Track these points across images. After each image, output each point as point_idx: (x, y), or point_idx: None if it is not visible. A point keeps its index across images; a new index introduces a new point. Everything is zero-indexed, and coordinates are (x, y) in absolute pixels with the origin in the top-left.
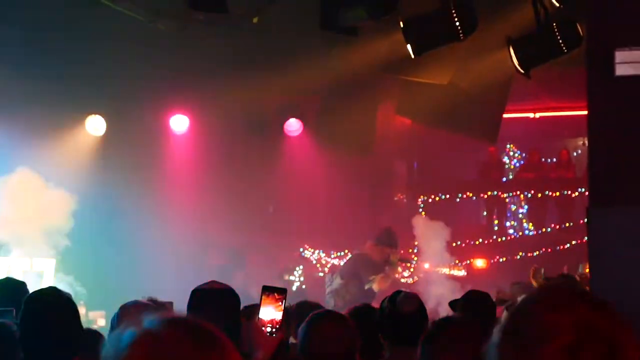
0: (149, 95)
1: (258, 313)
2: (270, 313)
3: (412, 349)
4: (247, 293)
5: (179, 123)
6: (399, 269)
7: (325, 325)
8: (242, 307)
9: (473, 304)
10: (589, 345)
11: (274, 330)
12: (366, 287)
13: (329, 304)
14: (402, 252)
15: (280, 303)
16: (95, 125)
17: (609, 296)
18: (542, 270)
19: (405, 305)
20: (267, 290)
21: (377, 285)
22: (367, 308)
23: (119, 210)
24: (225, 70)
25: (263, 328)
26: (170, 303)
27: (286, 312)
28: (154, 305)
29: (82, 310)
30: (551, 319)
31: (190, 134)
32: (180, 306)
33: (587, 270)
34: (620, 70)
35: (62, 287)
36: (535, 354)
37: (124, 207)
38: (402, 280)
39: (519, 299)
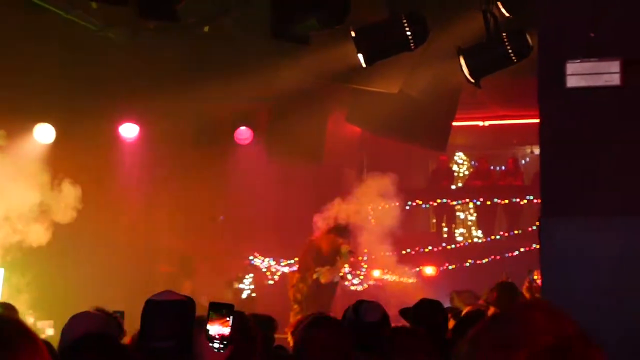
0: (98, 103)
1: (206, 328)
2: (217, 328)
3: (376, 356)
4: (197, 301)
5: (129, 131)
6: (346, 266)
7: (321, 333)
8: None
9: (424, 312)
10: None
11: (221, 345)
12: (314, 277)
13: (291, 298)
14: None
15: (227, 318)
16: (44, 133)
17: (560, 306)
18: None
19: (369, 315)
20: (215, 306)
21: (323, 277)
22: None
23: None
24: (176, 78)
25: (210, 344)
26: (121, 313)
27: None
28: (104, 316)
29: (30, 320)
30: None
31: (140, 142)
32: (131, 315)
33: (535, 277)
34: (572, 82)
35: (10, 296)
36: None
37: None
38: (352, 288)
39: (466, 307)
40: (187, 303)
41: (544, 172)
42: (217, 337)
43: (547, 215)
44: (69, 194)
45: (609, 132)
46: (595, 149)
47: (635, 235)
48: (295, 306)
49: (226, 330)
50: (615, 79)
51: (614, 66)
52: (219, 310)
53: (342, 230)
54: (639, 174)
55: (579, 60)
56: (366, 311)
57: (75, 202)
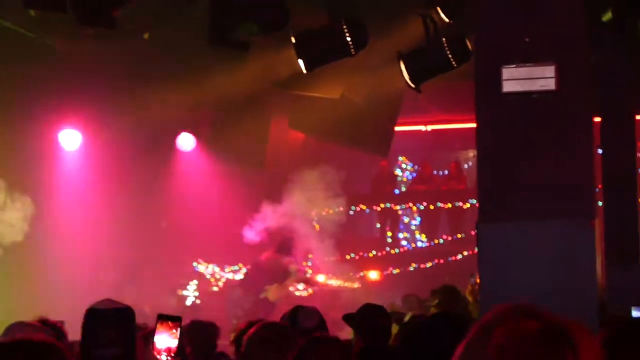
0: (38, 110)
1: (153, 340)
2: (165, 341)
3: None
4: (141, 309)
5: (70, 138)
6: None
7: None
8: (137, 327)
9: (368, 318)
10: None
11: (169, 358)
12: (261, 296)
13: (231, 313)
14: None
15: (175, 330)
16: None
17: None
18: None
19: (306, 321)
20: (162, 318)
21: (272, 295)
22: None
23: None
24: (116, 85)
25: (158, 356)
26: (62, 322)
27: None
28: (41, 326)
29: None
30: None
31: (82, 150)
32: (73, 324)
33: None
34: (508, 87)
35: None
36: None
37: None
38: (297, 293)
39: (410, 312)
40: (127, 311)
41: (481, 177)
42: (164, 349)
43: (483, 220)
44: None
45: (544, 136)
46: (530, 153)
47: (568, 237)
48: (234, 322)
49: (173, 343)
50: (550, 84)
51: (549, 71)
52: (166, 322)
53: (284, 248)
54: (572, 178)
55: (514, 65)
56: (303, 317)
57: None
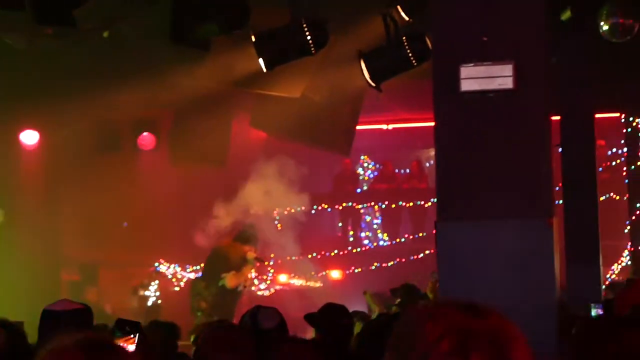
0: None
1: None
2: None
3: None
4: (102, 309)
5: (29, 138)
6: (252, 271)
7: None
8: (97, 327)
9: (329, 317)
10: (474, 350)
11: None
12: (219, 284)
13: (194, 307)
14: (259, 251)
15: (132, 336)
16: None
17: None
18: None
19: (266, 321)
20: (120, 324)
21: (228, 282)
22: None
23: None
24: (76, 84)
25: None
26: (21, 323)
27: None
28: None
29: None
30: (427, 329)
31: (41, 149)
32: (33, 325)
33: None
34: (466, 86)
35: None
36: None
37: None
38: (259, 293)
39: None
40: (84, 311)
41: (439, 176)
42: None
43: (442, 219)
44: None
45: (501, 135)
46: (488, 152)
47: (526, 235)
48: (199, 314)
49: (131, 348)
50: (508, 83)
51: (507, 70)
52: (124, 327)
53: (247, 238)
54: (530, 177)
55: (472, 64)
56: (263, 317)
57: None
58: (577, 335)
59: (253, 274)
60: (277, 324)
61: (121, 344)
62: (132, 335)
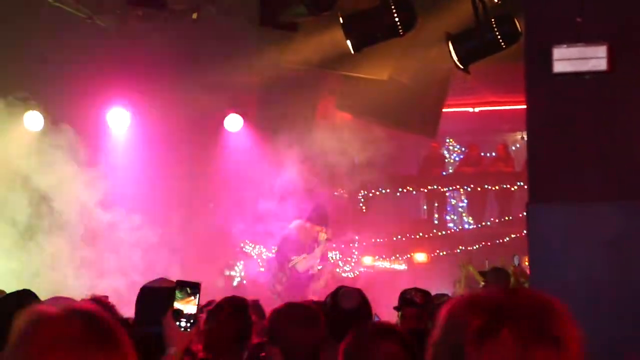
0: (87, 91)
1: (172, 308)
2: (183, 307)
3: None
4: None
5: (119, 117)
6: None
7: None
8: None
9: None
10: (506, 326)
11: (188, 325)
12: (289, 265)
13: (273, 289)
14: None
15: (193, 297)
16: (33, 120)
17: (547, 292)
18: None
19: (346, 301)
20: (181, 285)
21: (300, 266)
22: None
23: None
24: (164, 66)
25: (177, 323)
26: (106, 297)
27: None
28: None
29: None
30: (460, 311)
31: (130, 130)
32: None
33: (526, 263)
34: (558, 67)
35: None
36: None
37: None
38: (343, 274)
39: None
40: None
41: (531, 158)
42: (183, 315)
43: (534, 201)
44: None
45: (595, 117)
46: (581, 134)
47: (622, 219)
48: (275, 297)
49: (192, 309)
50: (602, 64)
51: (601, 51)
52: (185, 288)
53: (318, 218)
54: (625, 159)
55: (565, 46)
56: (343, 297)
57: None
58: None
59: (336, 255)
60: (357, 304)
61: (182, 305)
62: (192, 297)
